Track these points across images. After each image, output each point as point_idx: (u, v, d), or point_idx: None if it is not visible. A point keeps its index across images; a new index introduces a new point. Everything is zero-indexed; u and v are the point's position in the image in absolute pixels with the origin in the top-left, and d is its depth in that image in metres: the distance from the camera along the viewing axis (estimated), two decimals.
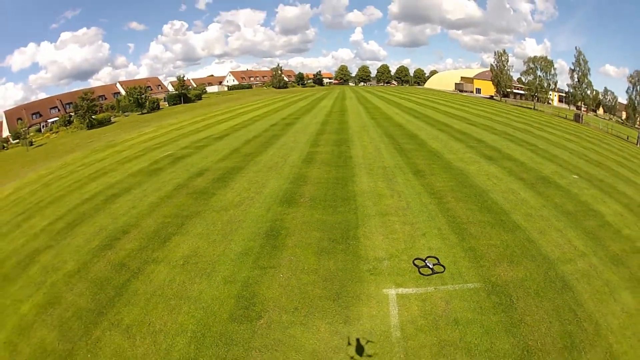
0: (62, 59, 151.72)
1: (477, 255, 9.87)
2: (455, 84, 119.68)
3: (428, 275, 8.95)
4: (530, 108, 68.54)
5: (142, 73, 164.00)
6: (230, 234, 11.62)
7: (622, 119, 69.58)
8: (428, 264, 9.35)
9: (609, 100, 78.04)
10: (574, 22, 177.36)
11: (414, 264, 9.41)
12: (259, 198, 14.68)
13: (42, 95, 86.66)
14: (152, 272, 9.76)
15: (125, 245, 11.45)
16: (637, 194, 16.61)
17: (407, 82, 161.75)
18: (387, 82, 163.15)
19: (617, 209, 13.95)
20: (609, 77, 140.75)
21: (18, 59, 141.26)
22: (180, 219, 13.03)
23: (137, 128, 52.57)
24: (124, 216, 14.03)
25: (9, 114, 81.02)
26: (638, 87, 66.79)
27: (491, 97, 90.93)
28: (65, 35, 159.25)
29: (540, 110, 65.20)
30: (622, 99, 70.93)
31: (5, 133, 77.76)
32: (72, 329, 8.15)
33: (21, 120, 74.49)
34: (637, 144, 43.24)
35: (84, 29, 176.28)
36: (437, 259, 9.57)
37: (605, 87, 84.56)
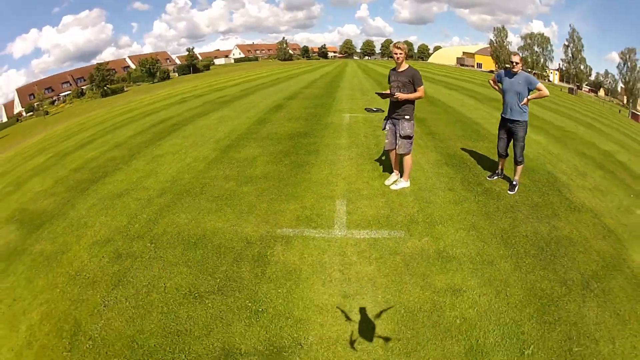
0: (64, 42, 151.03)
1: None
2: (457, 58, 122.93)
3: (371, 112, 14.33)
4: None
5: (146, 51, 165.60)
6: (248, 110, 17.28)
7: (622, 103, 70.47)
8: (374, 108, 14.74)
9: (610, 83, 79.24)
10: (581, 8, 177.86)
11: (365, 109, 14.85)
12: (268, 100, 20.57)
13: None
14: (198, 123, 14.73)
15: (175, 120, 16.41)
16: (585, 116, 20.32)
17: (411, 57, 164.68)
18: (391, 57, 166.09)
19: (561, 119, 16.80)
20: (615, 64, 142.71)
21: (20, 46, 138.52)
22: (212, 110, 18.32)
23: (152, 92, 56.75)
24: (171, 114, 18.85)
25: (20, 91, 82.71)
26: (629, 64, 69.39)
27: (491, 72, 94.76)
28: (67, 19, 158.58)
29: None
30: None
31: (18, 109, 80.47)
32: (138, 147, 11.67)
33: (33, 96, 77.14)
34: (629, 117, 46.39)
35: (87, 11, 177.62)
36: (382, 110, 14.88)
37: (606, 70, 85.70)
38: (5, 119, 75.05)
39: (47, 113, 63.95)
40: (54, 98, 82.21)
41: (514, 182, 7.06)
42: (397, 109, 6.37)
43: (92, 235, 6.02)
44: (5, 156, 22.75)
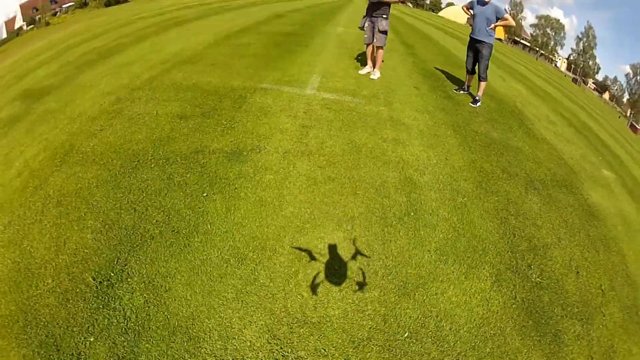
0: None
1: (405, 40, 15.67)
2: (467, 18, 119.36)
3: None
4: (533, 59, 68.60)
5: None
6: (248, 15, 17.44)
7: (625, 113, 68.19)
8: None
9: (617, 90, 77.79)
10: (606, 14, 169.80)
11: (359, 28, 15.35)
12: (270, 10, 20.51)
13: None
14: (201, 21, 15.16)
15: (180, 19, 16.47)
16: (580, 100, 20.54)
17: (422, 6, 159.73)
18: (402, 2, 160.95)
19: (553, 89, 18.16)
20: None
21: None
22: (215, 14, 18.99)
23: (158, 1, 55.29)
24: (176, 15, 18.88)
25: (23, 6, 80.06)
26: (638, 78, 68.26)
27: (499, 40, 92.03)
28: None
29: (540, 62, 63.39)
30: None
31: (19, 24, 77.60)
32: (144, 35, 11.28)
33: (36, 9, 74.25)
34: (627, 126, 44.29)
35: None
36: None
37: (615, 76, 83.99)
38: (5, 36, 72.17)
39: (48, 24, 61.91)
40: (57, 10, 79.47)
41: (477, 97, 7.78)
42: (376, 9, 7.26)
43: (96, 91, 6.47)
44: (3, 65, 22.47)
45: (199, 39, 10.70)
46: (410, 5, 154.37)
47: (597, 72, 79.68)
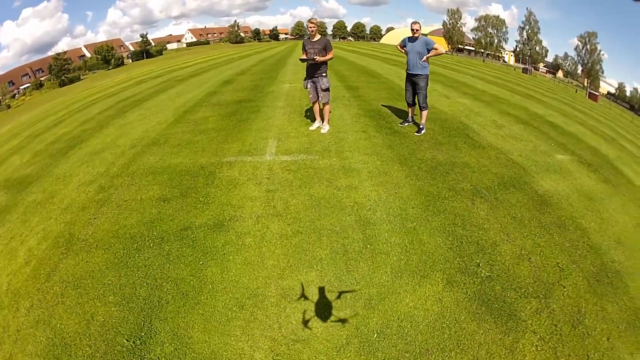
0: (23, 35, 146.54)
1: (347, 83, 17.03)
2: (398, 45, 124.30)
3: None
4: (480, 62, 68.20)
5: (100, 39, 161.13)
6: (200, 85, 18.87)
7: (583, 85, 70.99)
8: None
9: (569, 65, 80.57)
10: None
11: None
12: (219, 76, 21.84)
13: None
14: (157, 98, 16.18)
15: (137, 97, 17.54)
16: (529, 90, 21.13)
17: (363, 38, 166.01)
18: (343, 38, 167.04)
19: (500, 90, 19.03)
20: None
21: None
22: (170, 88, 20.01)
23: (109, 78, 56.49)
24: (132, 93, 20.05)
25: None
26: (588, 47, 71.25)
27: (445, 52, 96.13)
28: (26, 12, 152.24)
29: (487, 63, 65.13)
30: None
31: None
32: (106, 119, 11.59)
33: None
34: (586, 97, 45.50)
35: (45, 3, 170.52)
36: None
37: (566, 53, 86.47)
38: None
39: (9, 107, 62.66)
40: (14, 92, 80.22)
41: (421, 126, 8.50)
42: (316, 70, 7.98)
43: (77, 181, 7.11)
44: None
45: (159, 118, 11.67)
46: (352, 39, 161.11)
47: (546, 55, 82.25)
